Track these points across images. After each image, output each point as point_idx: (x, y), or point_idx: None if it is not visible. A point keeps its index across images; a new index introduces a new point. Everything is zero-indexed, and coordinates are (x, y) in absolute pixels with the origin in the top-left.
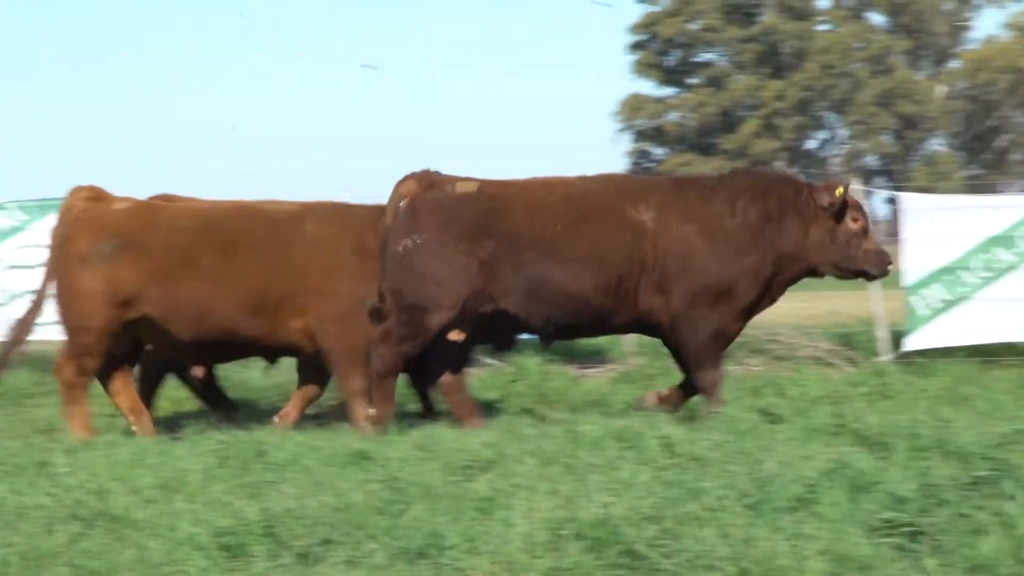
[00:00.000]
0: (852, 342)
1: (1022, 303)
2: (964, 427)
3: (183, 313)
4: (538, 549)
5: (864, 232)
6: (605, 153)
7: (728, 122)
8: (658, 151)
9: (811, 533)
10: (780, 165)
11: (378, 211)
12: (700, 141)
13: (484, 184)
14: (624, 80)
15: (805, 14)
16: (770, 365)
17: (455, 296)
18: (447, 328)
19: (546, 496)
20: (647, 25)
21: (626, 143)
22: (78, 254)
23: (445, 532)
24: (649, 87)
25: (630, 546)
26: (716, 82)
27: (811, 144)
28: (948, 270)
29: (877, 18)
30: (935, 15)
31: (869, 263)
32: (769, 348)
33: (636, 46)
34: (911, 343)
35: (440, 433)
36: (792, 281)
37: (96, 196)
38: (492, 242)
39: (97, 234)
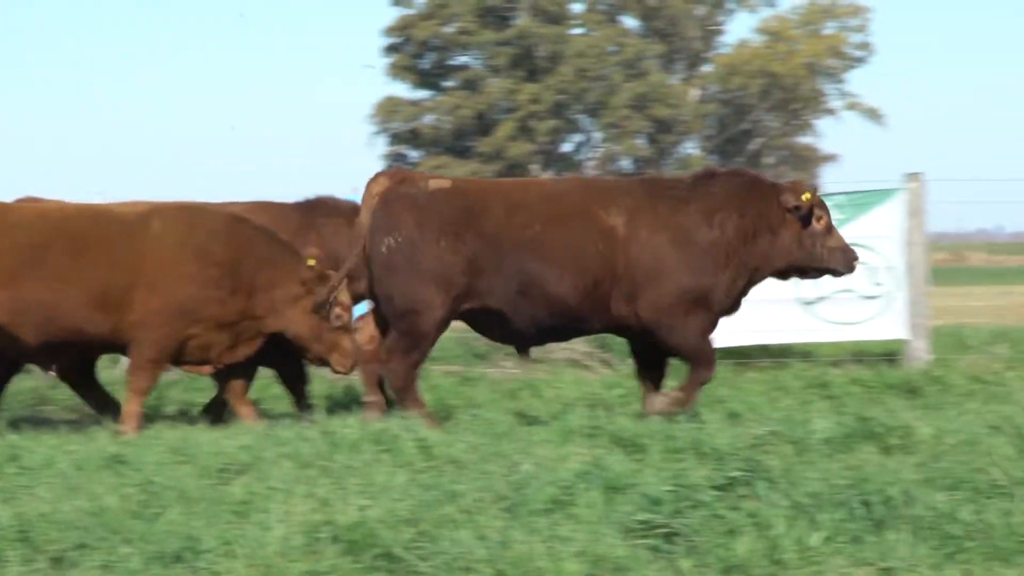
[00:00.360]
0: (608, 345)
1: (775, 305)
2: (718, 428)
3: (30, 315)
4: (295, 552)
5: (828, 230)
6: (362, 156)
7: (483, 125)
8: (414, 154)
9: (567, 535)
10: (535, 168)
11: (228, 215)
12: (456, 144)
13: (457, 181)
14: (379, 83)
15: (559, 18)
16: (526, 368)
17: (445, 293)
18: (445, 326)
19: (303, 499)
20: (402, 28)
21: (382, 146)
22: None
23: (201, 536)
24: (404, 90)
25: (387, 549)
26: (471, 85)
27: (566, 147)
28: None
29: (631, 22)
30: (688, 20)
31: (835, 261)
32: None
33: (391, 49)
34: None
35: (196, 436)
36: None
37: None
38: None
39: None
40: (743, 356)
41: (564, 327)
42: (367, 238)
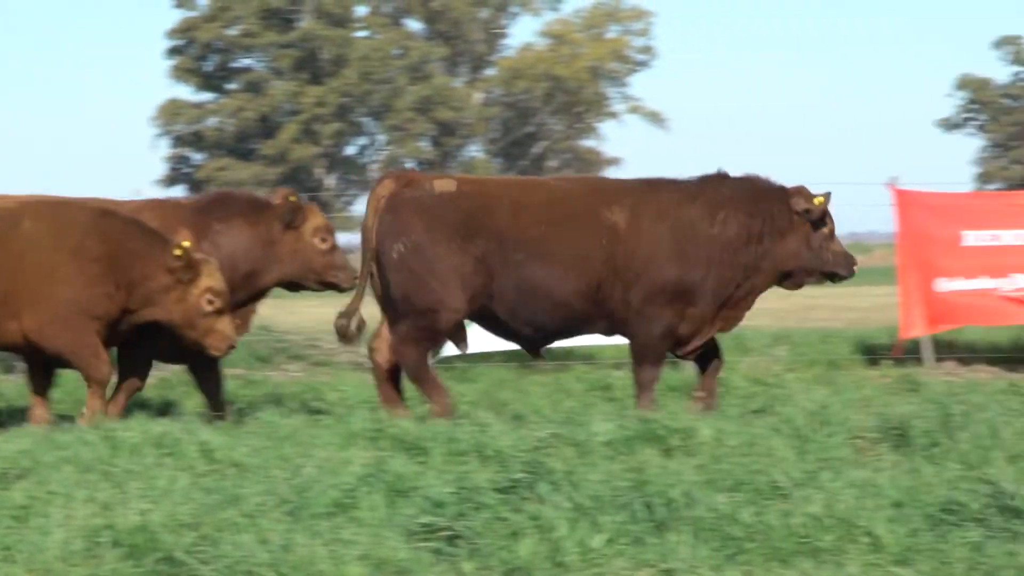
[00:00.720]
0: None
1: None
2: (501, 431)
3: None
4: (75, 557)
5: (831, 234)
6: (144, 159)
7: (267, 127)
8: (197, 156)
9: (350, 538)
10: (320, 171)
11: (98, 210)
12: (239, 146)
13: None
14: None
15: (343, 21)
16: (309, 371)
17: (460, 295)
18: (459, 324)
19: (83, 504)
20: (184, 30)
21: (164, 149)
22: None
23: None
24: (187, 92)
25: (168, 553)
26: (255, 87)
27: (350, 150)
28: None
29: (415, 26)
30: (471, 23)
31: (839, 265)
32: (308, 354)
33: (173, 51)
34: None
35: None
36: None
37: None
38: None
39: None
40: (526, 359)
41: (569, 328)
42: (374, 241)
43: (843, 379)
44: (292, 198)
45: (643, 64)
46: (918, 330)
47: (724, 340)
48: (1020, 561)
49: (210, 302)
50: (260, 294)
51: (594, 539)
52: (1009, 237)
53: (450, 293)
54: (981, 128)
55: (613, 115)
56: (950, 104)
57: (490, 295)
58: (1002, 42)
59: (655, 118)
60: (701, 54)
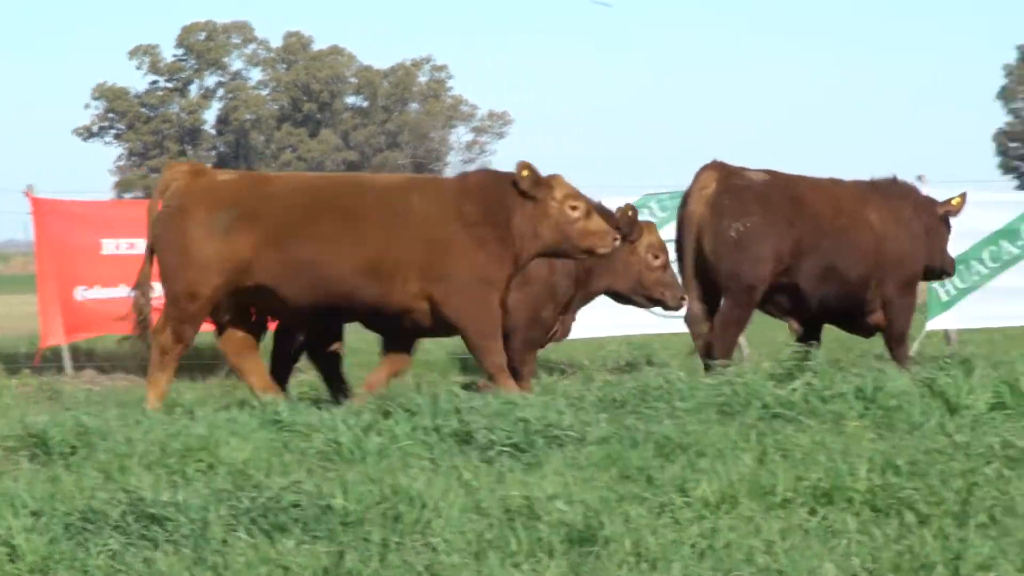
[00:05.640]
0: None
1: None
2: None
3: None
4: None
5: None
6: None
7: None
8: None
9: None
10: None
11: None
12: None
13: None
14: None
15: None
16: None
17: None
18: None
19: None
20: None
21: None
22: None
23: None
24: None
25: None
26: None
27: None
28: None
29: None
30: None
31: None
32: None
33: None
34: None
35: None
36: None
37: None
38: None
39: None
40: None
41: (851, 308)
42: (703, 225)
43: None
44: (631, 213)
45: None
46: (57, 339)
47: None
48: (159, 567)
49: (572, 208)
50: (588, 299)
51: None
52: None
53: (768, 269)
54: (118, 137)
55: None
56: (88, 113)
57: (794, 273)
58: (138, 51)
59: None
60: None
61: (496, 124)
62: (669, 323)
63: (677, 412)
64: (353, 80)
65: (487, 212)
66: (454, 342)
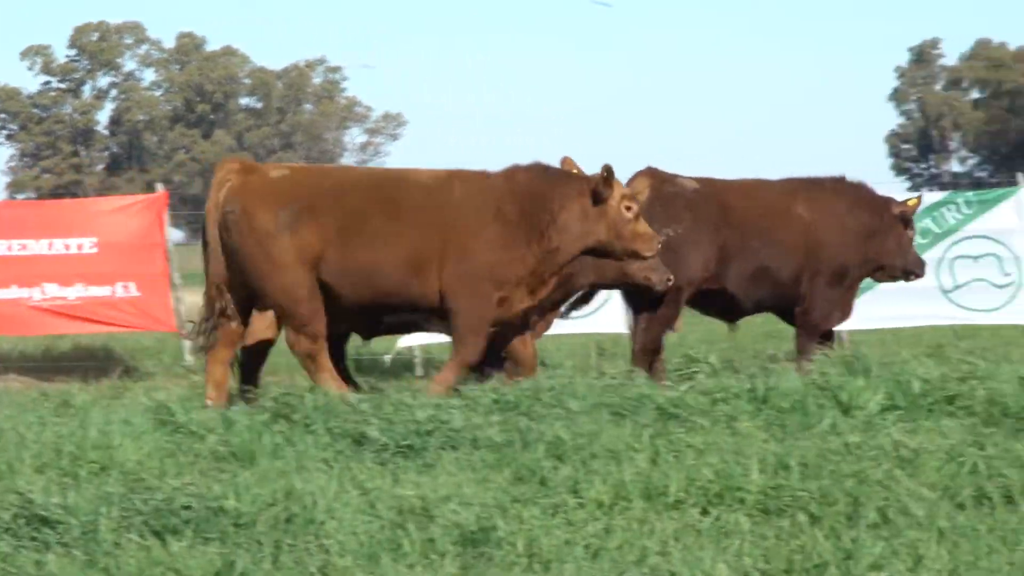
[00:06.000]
0: None
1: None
2: None
3: None
4: None
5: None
6: None
7: None
8: None
9: None
10: None
11: None
12: None
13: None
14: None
15: None
16: None
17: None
18: None
19: None
20: None
21: None
22: None
23: None
24: None
25: None
26: None
27: None
28: None
29: None
30: None
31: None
32: None
33: None
34: None
35: None
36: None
37: None
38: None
39: None
40: None
41: (788, 303)
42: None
43: None
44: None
45: None
46: None
47: None
48: (50, 570)
49: (627, 208)
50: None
51: None
52: (40, 247)
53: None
54: (11, 138)
55: None
56: None
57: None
58: (30, 51)
59: None
60: None
61: (390, 125)
62: (561, 325)
63: (570, 413)
64: (247, 81)
65: (524, 211)
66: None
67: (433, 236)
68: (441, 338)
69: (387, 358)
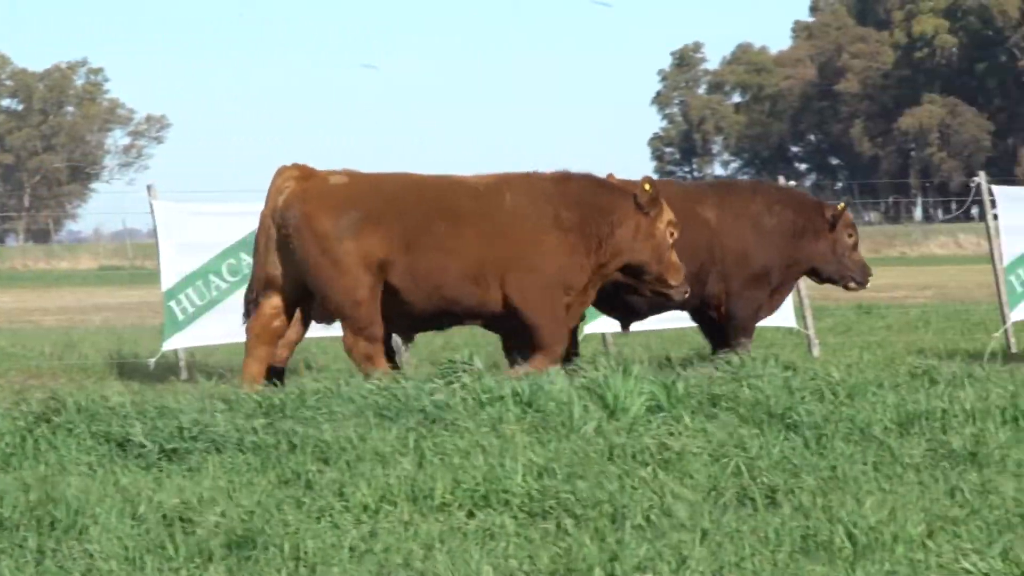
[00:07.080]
0: None
1: None
2: None
3: None
4: None
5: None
6: None
7: None
8: None
9: None
10: None
11: None
12: None
13: None
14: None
15: None
16: None
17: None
18: None
19: None
20: None
21: None
22: None
23: None
24: None
25: None
26: None
27: None
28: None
29: None
30: None
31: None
32: None
33: None
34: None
35: None
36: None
37: None
38: None
39: None
40: None
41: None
42: None
43: None
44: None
45: None
46: None
47: None
48: None
49: (671, 235)
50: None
51: None
52: None
53: None
54: None
55: None
56: None
57: None
58: None
59: None
60: None
61: (153, 128)
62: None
63: (336, 416)
64: (8, 83)
65: (584, 218)
66: (109, 346)
67: (495, 243)
68: (206, 340)
69: (151, 361)
